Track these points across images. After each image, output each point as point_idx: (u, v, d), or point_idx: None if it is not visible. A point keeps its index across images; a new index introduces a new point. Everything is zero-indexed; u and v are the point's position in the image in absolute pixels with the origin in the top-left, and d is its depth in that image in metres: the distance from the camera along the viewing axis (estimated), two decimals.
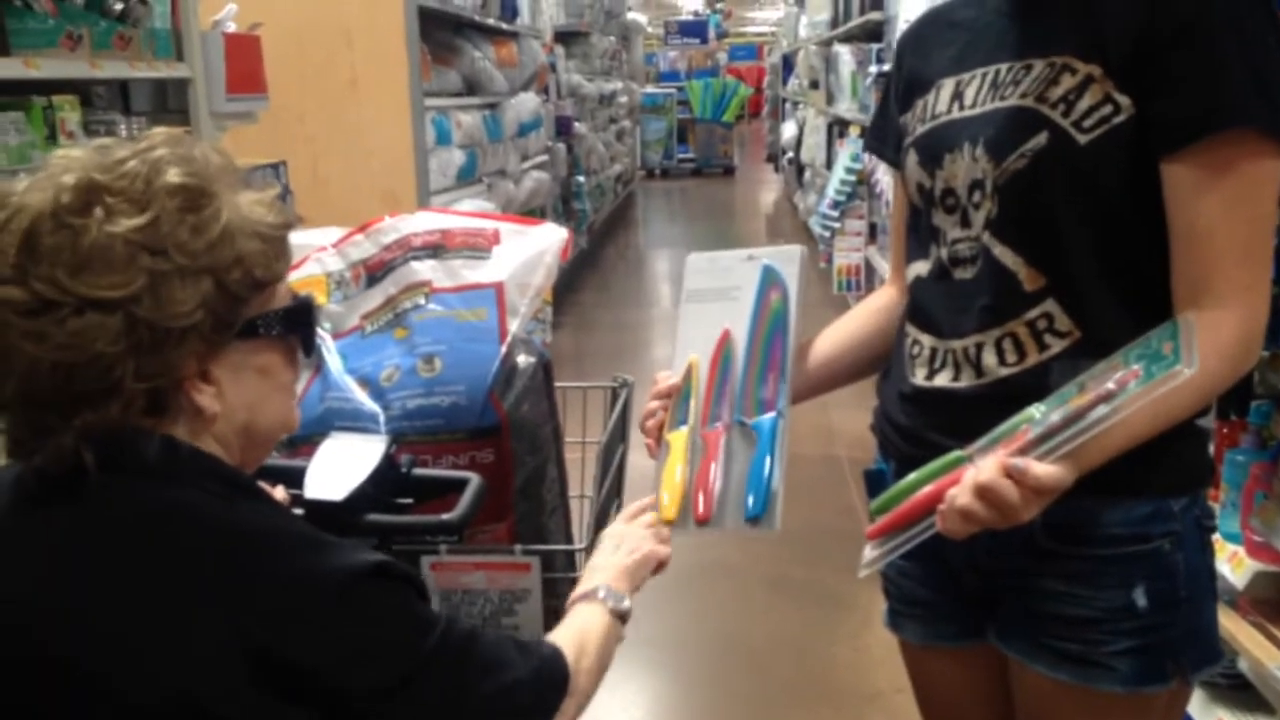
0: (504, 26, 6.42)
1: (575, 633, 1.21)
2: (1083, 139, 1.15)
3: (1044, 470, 1.07)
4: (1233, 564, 1.72)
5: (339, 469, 1.50)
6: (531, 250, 1.78)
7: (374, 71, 4.59)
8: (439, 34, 5.56)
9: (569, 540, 1.79)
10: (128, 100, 2.84)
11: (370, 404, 1.66)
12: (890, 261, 1.50)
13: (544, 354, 1.77)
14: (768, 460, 1.33)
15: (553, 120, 7.76)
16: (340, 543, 1.01)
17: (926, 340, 1.29)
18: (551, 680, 1.12)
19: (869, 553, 1.18)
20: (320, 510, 1.46)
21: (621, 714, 2.88)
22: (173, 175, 0.97)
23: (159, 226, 0.96)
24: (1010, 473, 1.07)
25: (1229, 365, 1.15)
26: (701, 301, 1.48)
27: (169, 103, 2.85)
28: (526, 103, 6.39)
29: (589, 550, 1.75)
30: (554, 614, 1.67)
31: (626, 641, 3.38)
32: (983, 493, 1.08)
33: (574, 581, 1.69)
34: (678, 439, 1.39)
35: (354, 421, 1.64)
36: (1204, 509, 1.26)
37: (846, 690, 2.90)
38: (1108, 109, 1.14)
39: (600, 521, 1.83)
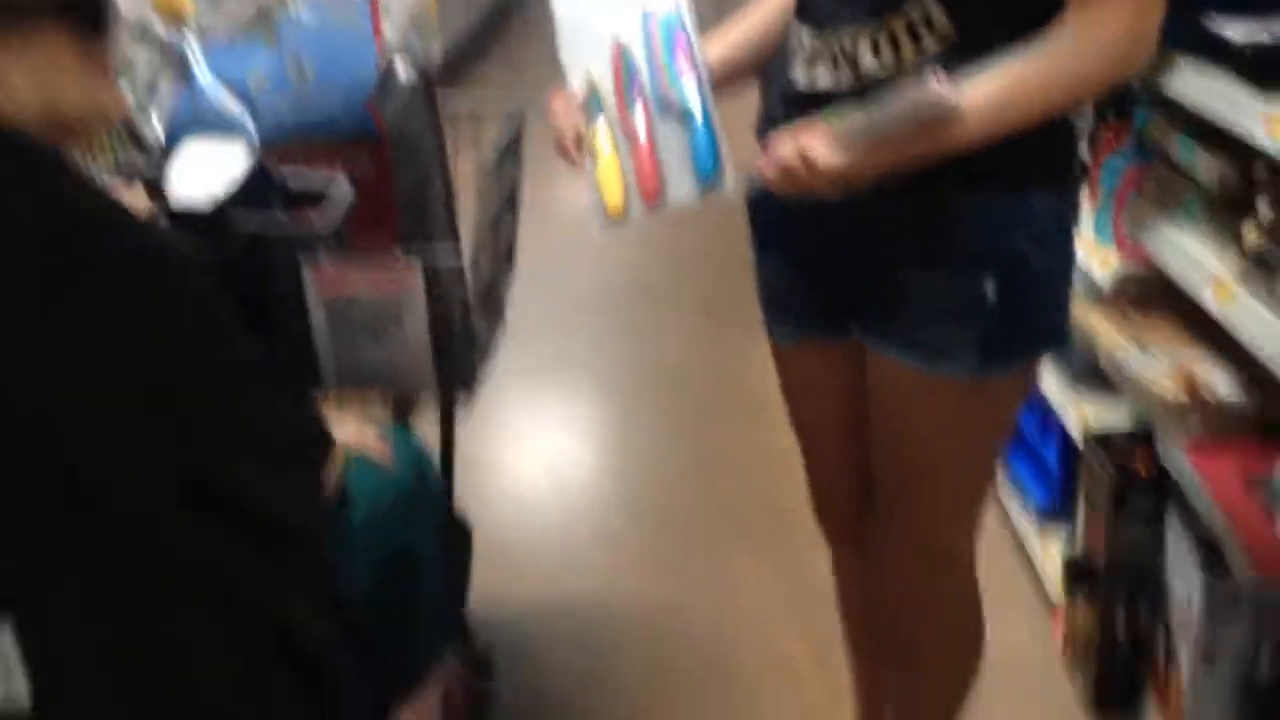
0: None
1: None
2: None
3: (823, 157, 1.13)
4: (1102, 265, 1.76)
5: (204, 173, 1.48)
6: None
7: None
8: None
9: (456, 251, 1.79)
10: None
11: (241, 112, 1.63)
12: None
13: (426, 67, 1.73)
14: (706, 119, 1.28)
15: None
16: (153, 226, 1.01)
17: (807, 35, 1.27)
18: (325, 445, 1.20)
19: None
20: (185, 215, 1.45)
21: (547, 433, 2.99)
22: None
23: None
24: (801, 151, 1.13)
25: (1108, 64, 1.14)
26: (578, 21, 1.39)
27: None
28: None
29: (477, 263, 1.78)
30: (441, 322, 1.70)
31: (552, 365, 3.46)
32: (779, 164, 1.15)
33: (463, 294, 1.73)
34: (599, 134, 1.32)
35: (221, 128, 1.61)
36: (1068, 207, 1.27)
37: (760, 404, 3.01)
38: None
39: (490, 232, 1.84)
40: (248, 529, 1.03)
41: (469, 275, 1.73)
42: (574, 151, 1.32)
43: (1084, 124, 1.46)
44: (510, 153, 1.88)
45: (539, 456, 2.89)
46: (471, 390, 1.81)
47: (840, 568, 1.66)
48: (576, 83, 1.37)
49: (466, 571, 2.01)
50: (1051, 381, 2.00)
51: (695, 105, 1.30)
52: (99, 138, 1.10)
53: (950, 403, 1.29)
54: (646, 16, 1.38)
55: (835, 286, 1.34)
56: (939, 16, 1.16)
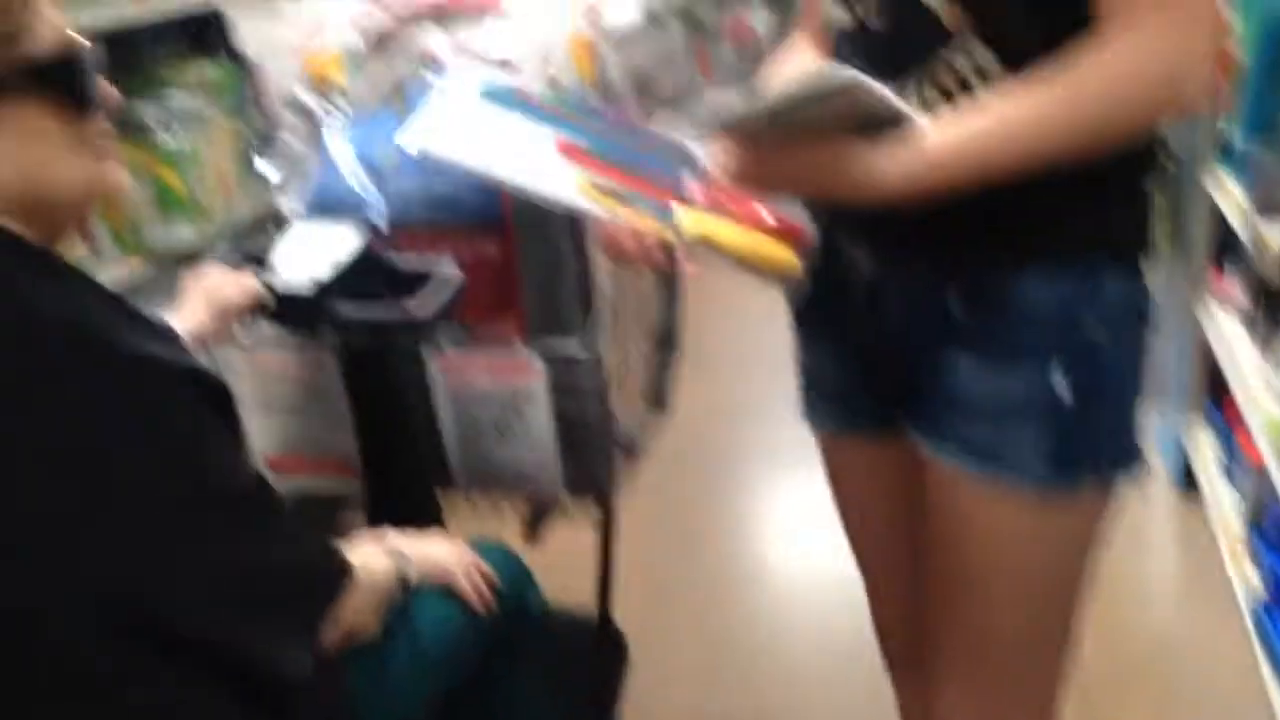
0: None
1: (363, 566, 1.15)
2: None
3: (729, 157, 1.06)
4: None
5: (310, 255, 1.41)
6: (551, 13, 1.58)
7: None
8: None
9: (589, 341, 1.64)
10: None
11: (369, 189, 1.54)
12: (802, 9, 1.32)
13: None
14: None
15: None
16: (159, 331, 0.91)
17: None
18: (327, 588, 1.06)
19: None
20: (286, 298, 1.38)
21: (774, 527, 2.78)
22: None
23: None
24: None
25: (1146, 88, 0.96)
26: (490, 153, 1.24)
27: None
28: None
29: (621, 349, 1.62)
30: (568, 420, 1.55)
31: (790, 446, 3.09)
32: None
33: (598, 390, 1.57)
34: (694, 218, 1.17)
35: (352, 208, 1.53)
36: (1141, 290, 1.09)
37: None
38: None
39: (637, 316, 1.69)
40: (218, 676, 0.91)
41: (610, 364, 1.58)
42: (655, 256, 1.14)
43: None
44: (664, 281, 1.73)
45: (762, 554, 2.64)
46: (608, 493, 1.65)
47: (902, 696, 1.46)
48: (569, 201, 1.19)
49: (611, 694, 1.84)
50: None
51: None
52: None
53: (1012, 516, 1.10)
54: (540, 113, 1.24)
55: (883, 373, 1.18)
56: (988, 61, 1.01)
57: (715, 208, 1.15)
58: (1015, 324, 1.05)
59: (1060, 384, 1.05)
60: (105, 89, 0.97)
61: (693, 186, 1.16)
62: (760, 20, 7.26)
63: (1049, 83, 0.96)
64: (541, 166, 1.20)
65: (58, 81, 0.92)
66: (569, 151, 1.21)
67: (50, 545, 0.85)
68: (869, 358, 1.19)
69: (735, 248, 1.14)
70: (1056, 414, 1.05)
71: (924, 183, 0.99)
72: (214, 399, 0.94)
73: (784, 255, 1.13)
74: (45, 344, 0.87)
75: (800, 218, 1.15)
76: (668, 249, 1.15)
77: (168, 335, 0.95)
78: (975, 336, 1.07)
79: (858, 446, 1.27)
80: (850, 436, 1.28)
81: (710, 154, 1.09)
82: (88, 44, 0.95)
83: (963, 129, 0.98)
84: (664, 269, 1.22)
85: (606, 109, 1.24)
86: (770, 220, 1.14)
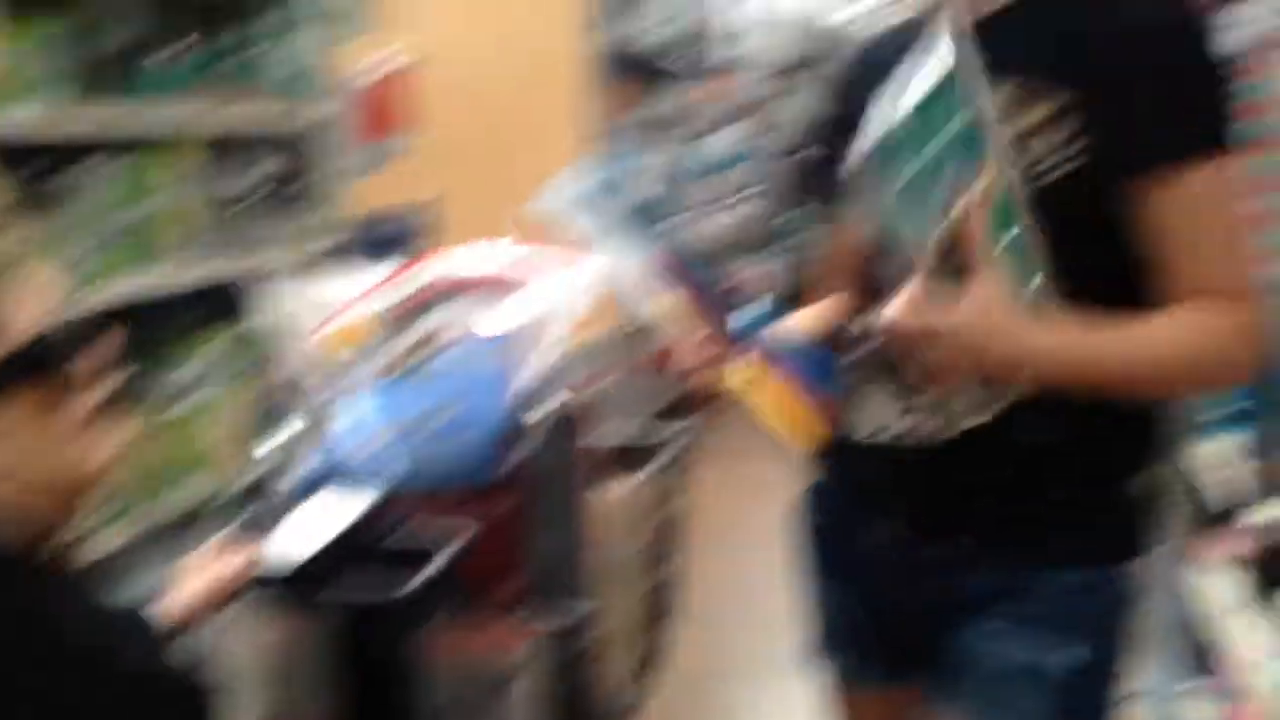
0: (708, 64, 6.36)
1: None
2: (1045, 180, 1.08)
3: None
4: None
5: (309, 527, 1.43)
6: (566, 290, 1.68)
7: (550, 115, 4.60)
8: (635, 73, 5.54)
9: (589, 604, 1.66)
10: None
11: (379, 456, 1.59)
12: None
13: (567, 403, 1.66)
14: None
15: None
16: (133, 628, 0.91)
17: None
18: None
19: None
20: (277, 572, 1.38)
21: None
22: None
23: None
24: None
25: (1209, 359, 1.07)
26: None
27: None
28: (728, 137, 6.29)
29: (613, 612, 1.63)
30: (559, 686, 1.55)
31: None
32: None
33: (591, 656, 1.57)
34: (746, 370, 1.26)
35: (359, 474, 1.58)
36: (1140, 571, 1.21)
37: None
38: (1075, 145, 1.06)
39: (628, 577, 1.71)
40: None
41: (603, 627, 1.60)
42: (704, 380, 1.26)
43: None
44: (669, 480, 1.77)
45: None
46: None
47: None
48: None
49: None
50: None
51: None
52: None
53: None
54: None
55: (903, 631, 1.26)
56: None
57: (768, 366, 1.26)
58: (1026, 609, 1.16)
59: (1059, 667, 1.15)
60: (91, 363, 0.91)
61: (754, 344, 1.26)
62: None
63: (1152, 325, 1.06)
64: (640, 276, 1.29)
65: (23, 372, 0.86)
66: (669, 264, 1.29)
67: None
68: (890, 616, 1.26)
69: (772, 401, 1.24)
70: (1061, 694, 1.16)
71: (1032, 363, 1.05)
72: (184, 707, 0.91)
73: (813, 423, 1.23)
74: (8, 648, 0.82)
75: (840, 407, 1.23)
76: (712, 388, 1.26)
77: (139, 631, 0.93)
78: (1000, 609, 1.17)
79: (868, 697, 1.34)
80: (861, 687, 1.34)
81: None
82: (61, 322, 0.89)
83: (1073, 339, 1.05)
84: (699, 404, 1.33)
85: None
86: (811, 393, 1.24)
